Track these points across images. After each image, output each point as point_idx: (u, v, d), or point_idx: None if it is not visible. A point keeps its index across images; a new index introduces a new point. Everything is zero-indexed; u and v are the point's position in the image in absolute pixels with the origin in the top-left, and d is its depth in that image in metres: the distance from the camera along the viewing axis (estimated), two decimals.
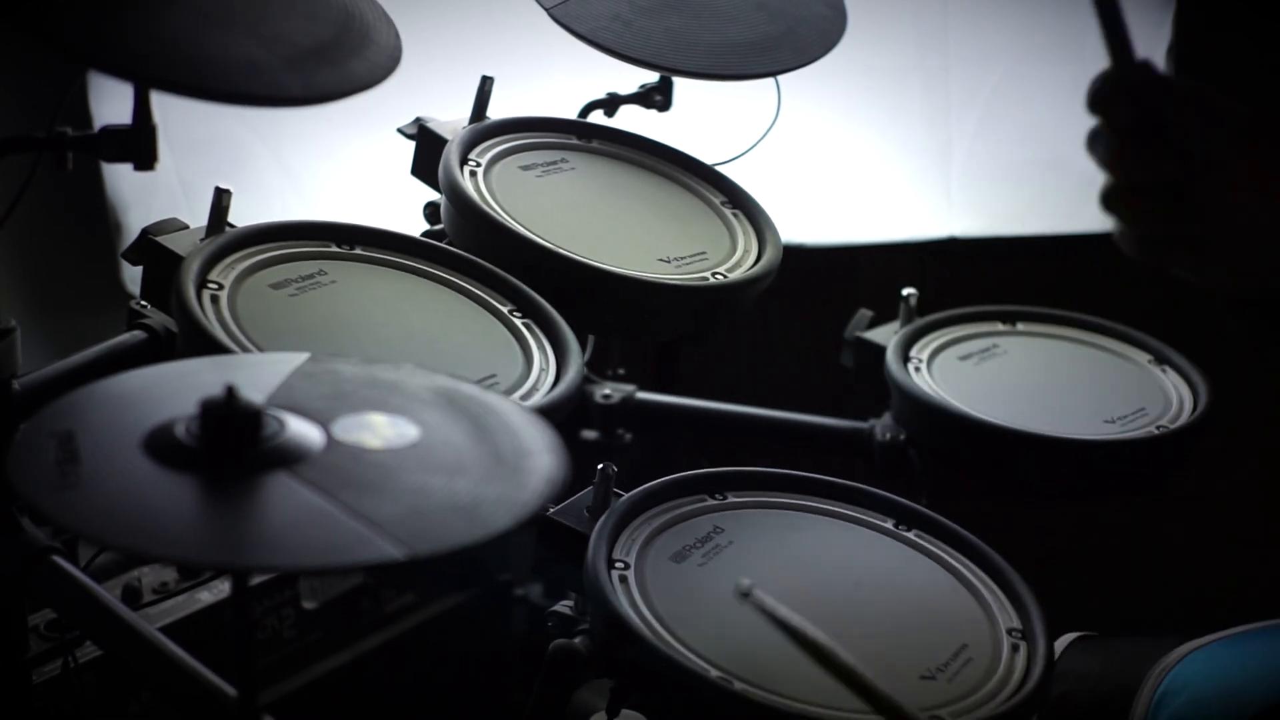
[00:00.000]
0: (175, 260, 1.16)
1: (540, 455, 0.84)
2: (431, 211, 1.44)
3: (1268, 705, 1.13)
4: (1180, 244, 0.97)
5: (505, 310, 1.26)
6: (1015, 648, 1.07)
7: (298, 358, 0.92)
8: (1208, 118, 0.96)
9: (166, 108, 1.12)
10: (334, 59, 1.08)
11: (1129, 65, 0.95)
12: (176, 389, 0.86)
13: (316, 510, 0.77)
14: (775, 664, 0.99)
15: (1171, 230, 0.97)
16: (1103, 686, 1.23)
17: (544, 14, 1.41)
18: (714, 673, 0.97)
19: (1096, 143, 0.97)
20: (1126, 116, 0.95)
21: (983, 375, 1.51)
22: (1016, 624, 1.09)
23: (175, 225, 1.23)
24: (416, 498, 0.79)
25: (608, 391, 1.66)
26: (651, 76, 1.57)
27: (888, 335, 1.54)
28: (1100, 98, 0.96)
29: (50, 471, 0.77)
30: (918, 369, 1.49)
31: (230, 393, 0.80)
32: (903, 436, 1.49)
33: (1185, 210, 0.95)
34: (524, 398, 1.16)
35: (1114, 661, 1.24)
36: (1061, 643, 1.27)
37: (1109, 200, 0.98)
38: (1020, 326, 1.59)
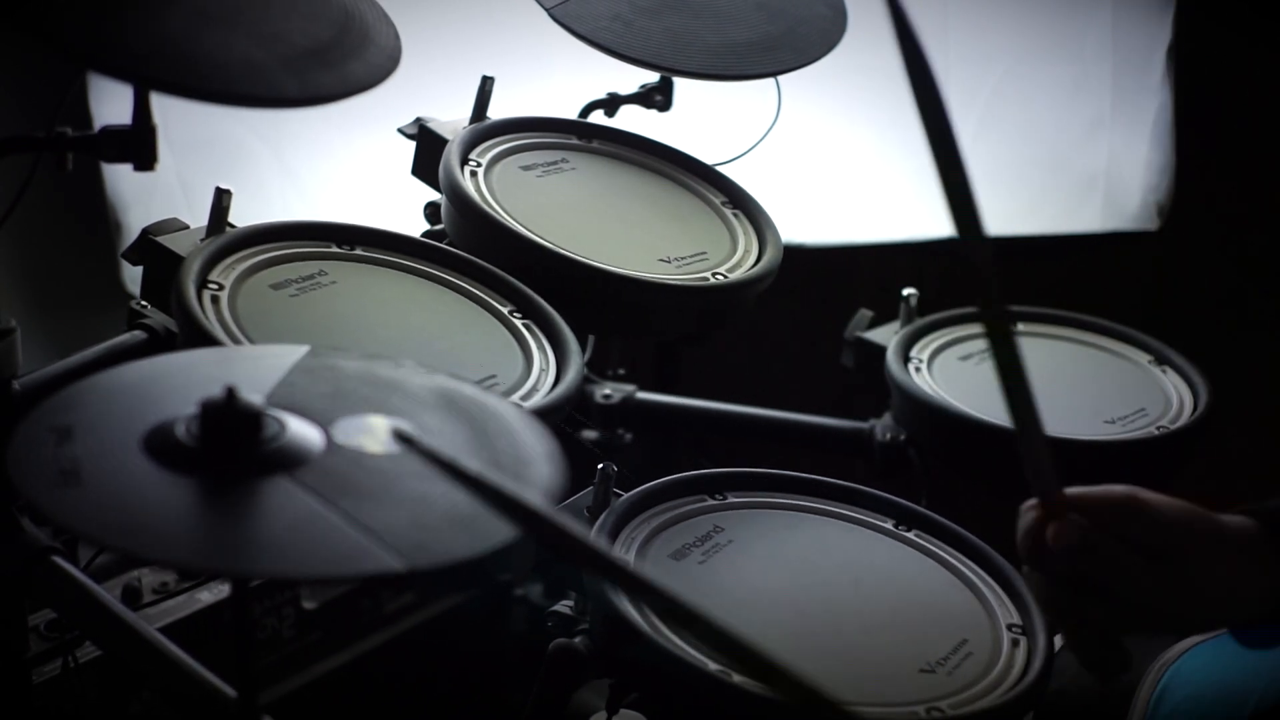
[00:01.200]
0: (175, 260, 1.16)
1: (539, 464, 0.84)
2: (431, 211, 1.44)
3: (1266, 701, 1.13)
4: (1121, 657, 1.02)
5: (505, 311, 1.26)
6: (1015, 642, 1.07)
7: (298, 349, 0.91)
8: (1129, 568, 0.97)
9: (166, 108, 1.12)
10: (333, 60, 1.08)
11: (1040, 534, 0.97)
12: (176, 384, 0.85)
13: (316, 517, 0.77)
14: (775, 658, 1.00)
15: (1116, 630, 1.01)
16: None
17: (544, 14, 1.41)
18: (713, 666, 0.97)
19: (1030, 585, 1.03)
20: (1051, 569, 0.98)
21: (983, 375, 1.51)
22: (1017, 620, 1.09)
23: (175, 225, 1.23)
24: (416, 507, 0.79)
25: (608, 391, 1.66)
26: (651, 76, 1.57)
27: (888, 335, 1.54)
28: (1027, 554, 0.99)
29: (50, 472, 0.77)
30: (918, 369, 1.49)
31: (230, 394, 0.80)
32: (903, 436, 1.49)
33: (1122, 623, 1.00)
34: (524, 398, 1.16)
35: None
36: (1061, 638, 1.27)
37: (1056, 629, 1.02)
38: (1020, 326, 1.59)
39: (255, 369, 0.88)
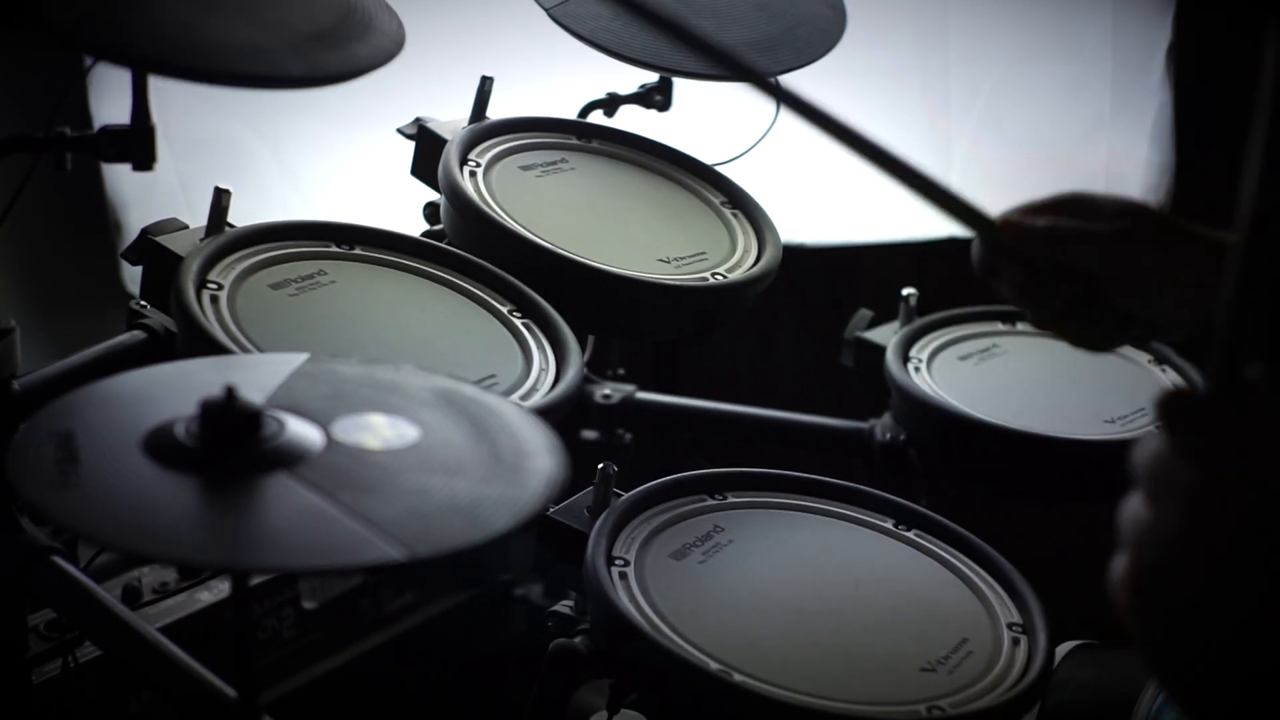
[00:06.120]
0: (175, 260, 1.16)
1: (540, 456, 0.84)
2: (431, 211, 1.44)
3: None
4: (1114, 328, 1.04)
5: (505, 310, 1.26)
6: (1016, 641, 1.07)
7: (297, 358, 0.92)
8: (1084, 238, 1.01)
9: (166, 107, 1.12)
10: (335, 43, 1.07)
11: (992, 230, 1.00)
12: (176, 389, 0.85)
13: (316, 511, 0.77)
14: (776, 657, 1.00)
15: (1098, 322, 1.04)
16: (1101, 695, 1.22)
17: (544, 14, 1.41)
18: (714, 665, 0.97)
19: (1004, 290, 1.05)
20: (1015, 273, 1.02)
21: (983, 375, 1.51)
22: (1017, 619, 1.09)
23: (175, 225, 1.23)
24: (416, 498, 0.79)
25: (608, 391, 1.66)
26: (651, 76, 1.57)
27: (888, 335, 1.54)
28: (986, 268, 1.03)
29: (50, 471, 0.77)
30: (918, 369, 1.49)
31: (230, 393, 0.80)
32: (903, 436, 1.49)
33: (1100, 307, 1.02)
34: (524, 398, 1.16)
35: (1113, 670, 1.24)
36: (1061, 650, 1.27)
37: (1039, 324, 1.06)
38: (1020, 326, 1.59)
39: (255, 375, 0.88)
